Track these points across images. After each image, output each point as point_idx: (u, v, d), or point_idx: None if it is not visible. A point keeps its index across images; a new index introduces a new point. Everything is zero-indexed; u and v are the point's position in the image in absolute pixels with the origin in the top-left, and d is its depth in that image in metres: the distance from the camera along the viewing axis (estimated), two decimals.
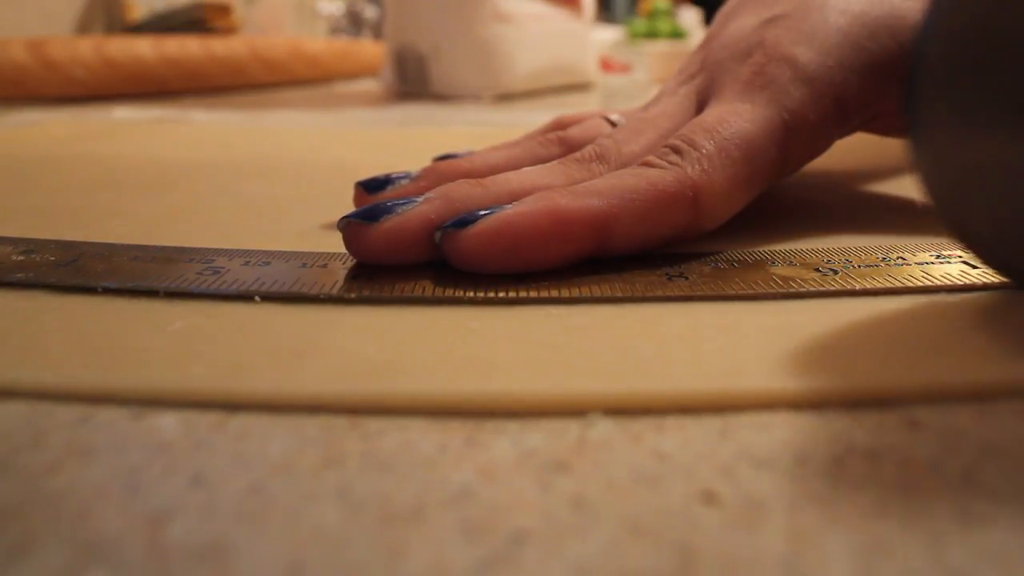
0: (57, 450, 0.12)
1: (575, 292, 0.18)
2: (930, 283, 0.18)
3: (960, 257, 0.20)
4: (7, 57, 0.57)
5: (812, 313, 0.17)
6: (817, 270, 0.19)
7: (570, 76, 0.67)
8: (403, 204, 0.19)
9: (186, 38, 0.68)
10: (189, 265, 0.19)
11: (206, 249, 0.21)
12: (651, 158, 0.21)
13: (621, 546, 0.10)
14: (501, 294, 0.18)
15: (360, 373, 0.14)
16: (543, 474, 0.12)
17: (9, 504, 0.11)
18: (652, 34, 1.58)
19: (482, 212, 0.19)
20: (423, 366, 0.15)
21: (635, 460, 0.12)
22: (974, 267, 0.19)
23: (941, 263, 0.19)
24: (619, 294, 0.18)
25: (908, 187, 0.29)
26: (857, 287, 0.18)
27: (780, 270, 0.19)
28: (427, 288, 0.18)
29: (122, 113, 0.56)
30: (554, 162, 0.23)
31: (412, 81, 0.63)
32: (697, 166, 0.20)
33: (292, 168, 0.34)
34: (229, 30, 0.89)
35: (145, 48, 0.64)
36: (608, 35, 1.47)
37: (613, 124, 0.26)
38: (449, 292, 0.18)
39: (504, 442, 0.13)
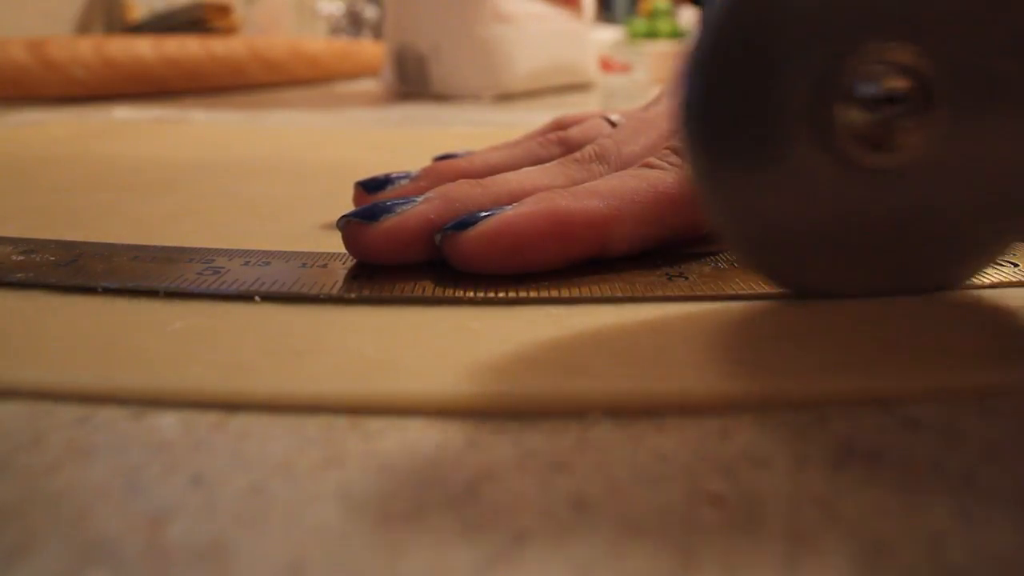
0: (57, 450, 0.12)
1: (575, 292, 0.18)
2: None
3: None
4: (7, 57, 0.57)
5: (811, 313, 0.17)
6: None
7: (570, 76, 0.67)
8: (403, 204, 0.19)
9: (186, 38, 0.68)
10: (189, 265, 0.19)
11: (206, 249, 0.21)
12: (652, 159, 0.21)
13: (621, 546, 0.10)
14: (501, 294, 0.18)
15: (360, 373, 0.14)
16: (543, 474, 0.12)
17: (9, 504, 0.11)
18: (652, 34, 1.58)
19: (482, 214, 0.19)
20: (423, 366, 0.15)
21: (635, 460, 0.12)
22: None
23: None
24: (619, 294, 0.18)
25: None
26: None
27: None
28: (427, 288, 0.18)
29: (122, 113, 0.56)
30: (554, 162, 0.23)
31: (412, 81, 0.63)
32: None
33: (292, 168, 0.34)
34: (229, 30, 0.89)
35: (145, 48, 0.64)
36: (608, 35, 1.47)
37: (613, 124, 0.26)
38: (449, 292, 0.18)
39: (504, 442, 0.13)
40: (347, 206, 0.23)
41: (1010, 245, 0.17)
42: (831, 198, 0.16)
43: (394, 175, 0.24)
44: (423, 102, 0.60)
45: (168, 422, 0.13)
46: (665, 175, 0.20)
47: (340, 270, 0.19)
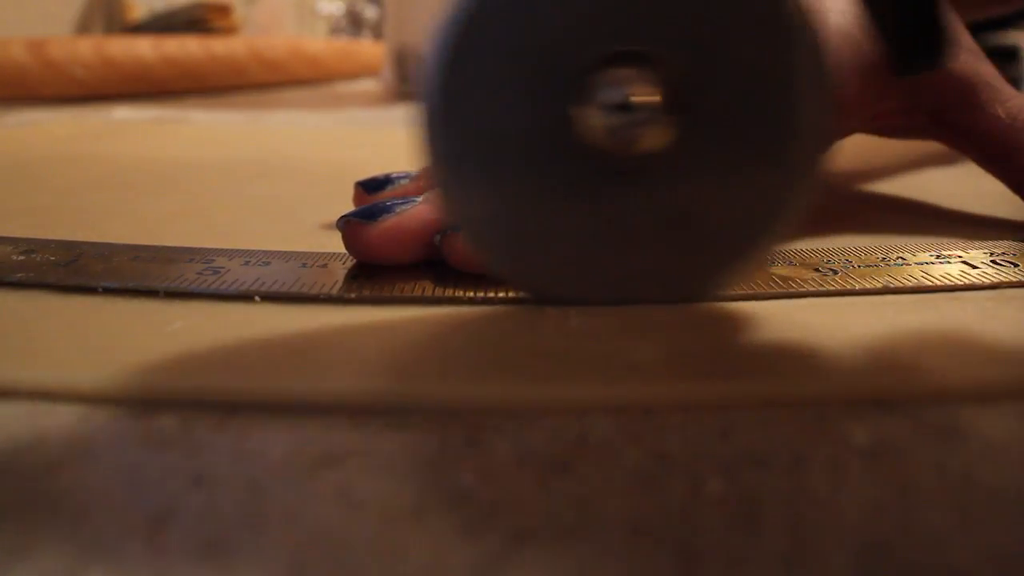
0: (57, 450, 0.12)
1: None
2: (930, 283, 0.18)
3: (960, 257, 0.20)
4: (7, 57, 0.57)
5: (812, 313, 0.17)
6: (817, 270, 0.19)
7: None
8: (402, 204, 0.19)
9: (186, 38, 0.68)
10: (189, 265, 0.19)
11: (206, 249, 0.21)
12: None
13: (621, 546, 0.10)
14: (501, 294, 0.18)
15: (360, 373, 0.14)
16: (543, 474, 0.12)
17: (9, 504, 0.11)
18: None
19: None
20: (423, 366, 0.15)
21: (635, 460, 0.12)
22: (974, 267, 0.19)
23: (941, 263, 0.19)
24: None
25: (908, 187, 0.29)
26: (856, 287, 0.18)
27: (780, 270, 0.19)
28: (427, 288, 0.18)
29: (122, 113, 0.56)
30: None
31: (412, 81, 0.63)
32: None
33: (292, 168, 0.34)
34: (229, 30, 0.89)
35: (145, 48, 0.64)
36: None
37: None
38: (449, 292, 0.18)
39: (504, 442, 0.13)
40: (347, 206, 0.23)
41: (768, 250, 0.17)
42: (577, 205, 0.16)
43: (394, 175, 0.24)
44: None
45: (168, 422, 0.13)
46: None
47: (340, 270, 0.19)
